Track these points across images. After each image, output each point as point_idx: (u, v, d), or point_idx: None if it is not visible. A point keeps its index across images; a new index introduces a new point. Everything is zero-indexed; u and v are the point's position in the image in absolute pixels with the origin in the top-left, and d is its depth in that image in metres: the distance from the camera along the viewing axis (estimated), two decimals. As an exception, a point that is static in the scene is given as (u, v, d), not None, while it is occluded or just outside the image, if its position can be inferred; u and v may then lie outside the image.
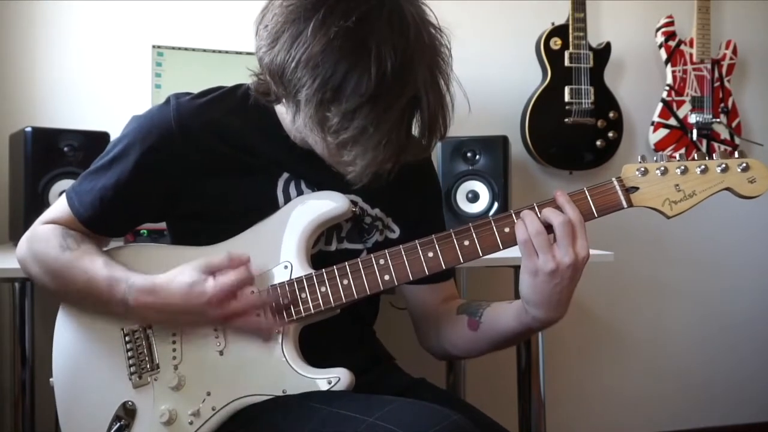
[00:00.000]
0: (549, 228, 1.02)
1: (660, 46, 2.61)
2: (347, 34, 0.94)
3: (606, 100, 2.49)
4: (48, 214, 1.17)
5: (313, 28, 0.95)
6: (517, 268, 1.90)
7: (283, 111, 1.12)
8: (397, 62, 0.94)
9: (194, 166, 1.10)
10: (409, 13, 0.97)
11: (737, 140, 2.62)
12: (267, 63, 1.01)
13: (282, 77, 0.99)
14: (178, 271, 1.04)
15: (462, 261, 1.07)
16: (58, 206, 1.16)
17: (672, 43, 2.60)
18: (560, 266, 1.01)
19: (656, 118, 2.59)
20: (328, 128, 0.98)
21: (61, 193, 1.73)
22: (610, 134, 2.49)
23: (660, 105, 2.60)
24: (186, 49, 2.03)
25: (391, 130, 0.97)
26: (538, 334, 1.91)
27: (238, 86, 1.15)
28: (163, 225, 1.25)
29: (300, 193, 1.14)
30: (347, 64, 0.94)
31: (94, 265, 1.07)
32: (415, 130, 1.02)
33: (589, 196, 1.06)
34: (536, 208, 1.05)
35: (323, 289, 1.08)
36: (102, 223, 1.14)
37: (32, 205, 1.74)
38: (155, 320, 1.08)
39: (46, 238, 1.12)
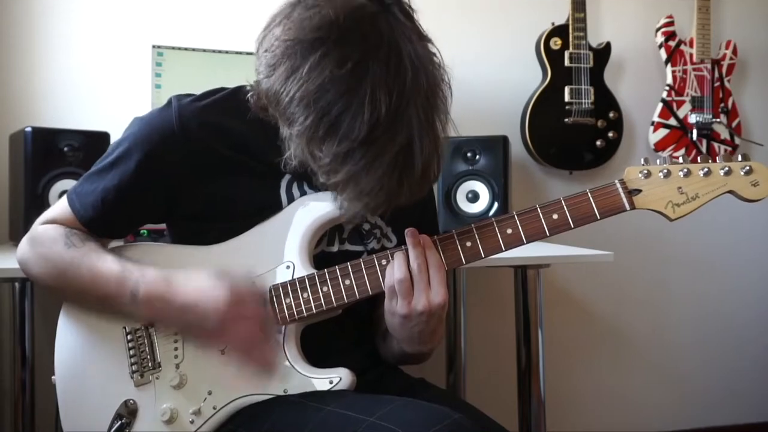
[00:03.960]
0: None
1: (660, 46, 2.62)
2: (343, 77, 0.93)
3: (606, 100, 2.49)
4: (48, 214, 1.16)
5: (310, 68, 0.94)
6: (517, 268, 1.92)
7: None
8: (392, 107, 0.93)
9: (196, 167, 1.10)
10: (407, 54, 0.95)
11: (737, 140, 2.63)
12: (264, 89, 1.01)
13: (277, 106, 0.99)
14: (197, 271, 1.04)
15: (464, 262, 1.07)
16: (59, 207, 1.16)
17: (672, 43, 2.60)
18: (413, 312, 1.03)
19: (656, 118, 2.60)
20: (320, 167, 0.98)
21: (61, 194, 1.73)
22: (610, 134, 2.49)
23: (660, 105, 2.60)
24: (186, 49, 2.03)
25: (382, 177, 0.96)
26: (538, 334, 1.92)
27: (240, 88, 1.14)
28: (163, 225, 1.25)
29: (303, 194, 1.14)
30: (341, 105, 0.93)
31: (101, 260, 1.07)
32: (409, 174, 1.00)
33: (591, 198, 1.06)
34: (404, 251, 1.06)
35: (325, 288, 1.08)
36: (103, 224, 1.13)
37: (32, 205, 1.74)
38: (159, 313, 1.06)
39: (49, 236, 1.11)
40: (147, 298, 1.04)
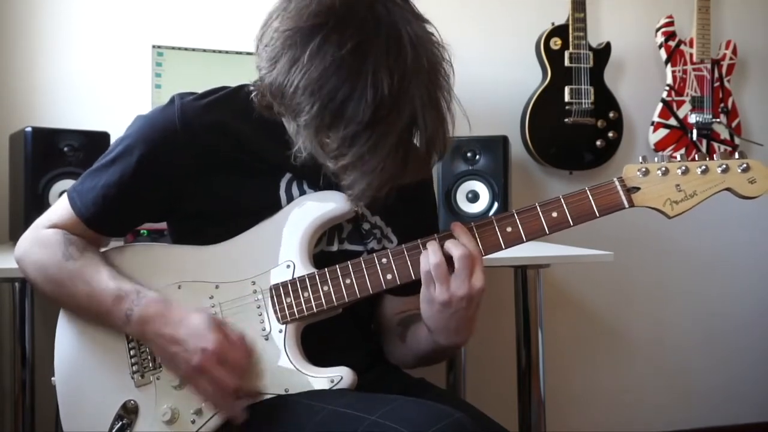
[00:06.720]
0: (450, 260, 1.03)
1: (660, 46, 2.62)
2: (344, 61, 0.94)
3: (606, 100, 2.49)
4: (49, 214, 1.16)
5: (310, 55, 0.95)
6: (517, 268, 1.92)
7: None
8: (394, 87, 0.94)
9: (197, 166, 1.10)
10: (406, 35, 0.97)
11: (737, 140, 2.63)
12: (268, 84, 1.01)
13: (282, 99, 1.00)
14: (196, 312, 1.04)
15: (464, 260, 1.07)
16: (60, 206, 1.15)
17: (672, 43, 2.60)
18: (453, 298, 1.03)
19: (656, 118, 2.60)
20: (327, 152, 0.99)
21: (61, 194, 1.73)
22: (610, 134, 2.49)
23: (660, 105, 2.60)
24: (186, 49, 2.04)
25: (387, 156, 0.97)
26: (538, 334, 1.92)
27: (242, 87, 1.15)
28: (163, 225, 1.25)
29: (302, 193, 1.14)
30: (345, 90, 0.94)
31: (98, 277, 1.07)
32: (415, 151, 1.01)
33: (590, 196, 1.07)
34: (437, 239, 1.06)
35: (326, 288, 1.08)
36: (103, 222, 1.13)
37: (32, 205, 1.74)
38: (148, 337, 1.05)
39: (48, 244, 1.11)
40: (140, 321, 1.04)
